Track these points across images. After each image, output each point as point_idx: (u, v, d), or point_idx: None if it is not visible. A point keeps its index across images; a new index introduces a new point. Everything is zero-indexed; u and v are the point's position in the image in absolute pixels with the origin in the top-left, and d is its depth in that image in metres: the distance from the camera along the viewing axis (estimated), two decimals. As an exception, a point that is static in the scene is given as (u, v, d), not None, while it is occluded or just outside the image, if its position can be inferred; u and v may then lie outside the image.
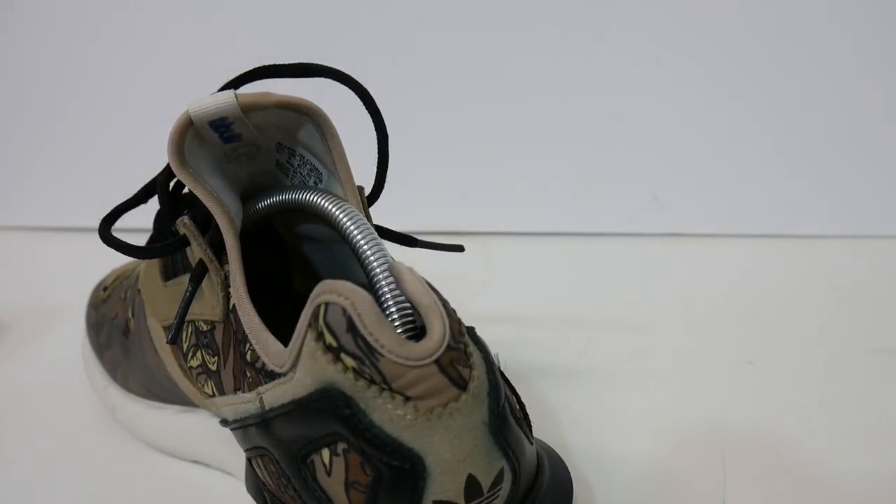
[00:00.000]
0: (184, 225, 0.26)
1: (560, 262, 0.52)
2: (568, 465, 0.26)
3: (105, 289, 0.38)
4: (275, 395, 0.22)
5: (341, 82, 0.26)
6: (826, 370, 0.38)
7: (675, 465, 0.31)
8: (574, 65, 0.54)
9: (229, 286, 0.25)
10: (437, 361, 0.20)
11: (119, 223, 0.28)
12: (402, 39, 0.55)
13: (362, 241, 0.23)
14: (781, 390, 0.36)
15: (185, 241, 0.26)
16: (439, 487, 0.21)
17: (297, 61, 0.26)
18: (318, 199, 0.25)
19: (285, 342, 0.22)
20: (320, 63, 0.26)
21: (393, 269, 0.22)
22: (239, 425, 0.25)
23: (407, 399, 0.20)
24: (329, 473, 0.22)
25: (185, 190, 0.29)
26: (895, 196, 0.53)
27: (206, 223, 0.26)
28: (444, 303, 0.21)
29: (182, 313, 0.26)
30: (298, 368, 0.21)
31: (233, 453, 0.30)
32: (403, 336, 0.20)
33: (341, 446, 0.21)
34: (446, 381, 0.20)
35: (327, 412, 0.21)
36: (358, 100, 0.26)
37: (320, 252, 0.30)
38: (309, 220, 0.28)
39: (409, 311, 0.21)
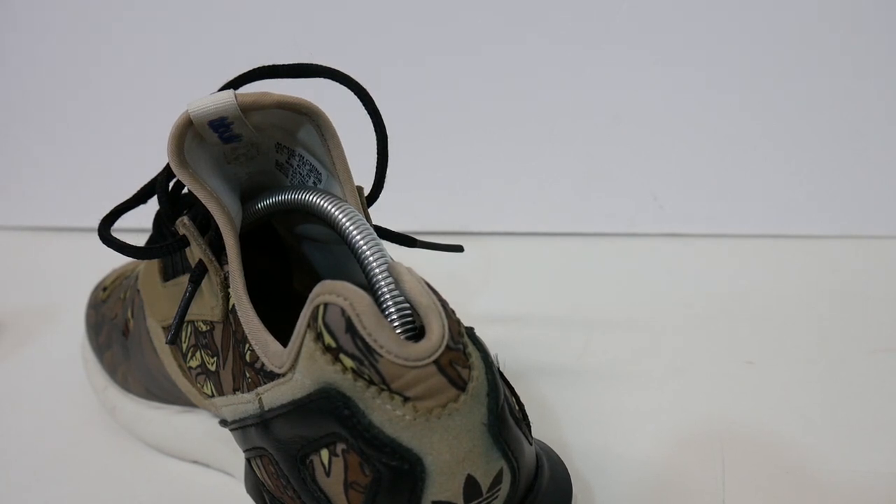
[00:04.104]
0: (183, 225, 0.26)
1: (560, 262, 0.52)
2: (567, 466, 0.26)
3: (105, 289, 0.38)
4: (274, 395, 0.22)
5: (340, 82, 0.26)
6: (826, 370, 0.38)
7: (674, 465, 0.31)
8: (574, 65, 0.54)
9: (229, 287, 0.25)
10: (436, 362, 0.20)
11: (119, 223, 0.28)
12: (401, 39, 0.55)
13: (361, 242, 0.23)
14: (781, 390, 0.36)
15: (184, 242, 0.26)
16: (438, 488, 0.21)
17: (296, 62, 0.26)
18: (318, 200, 0.25)
19: (284, 343, 0.22)
20: (320, 63, 0.26)
21: (392, 270, 0.22)
22: (238, 426, 0.25)
23: (406, 399, 0.20)
24: (328, 474, 0.22)
25: (185, 190, 0.29)
26: (895, 196, 0.53)
27: (205, 223, 0.26)
28: (444, 303, 0.21)
29: (181, 314, 0.26)
30: (297, 369, 0.21)
31: (232, 454, 0.30)
32: (402, 336, 0.20)
33: (340, 447, 0.21)
34: (445, 381, 0.20)
35: (326, 413, 0.21)
36: (357, 100, 0.26)
37: (320, 252, 0.30)
38: (308, 221, 0.28)
39: (408, 312, 0.21)
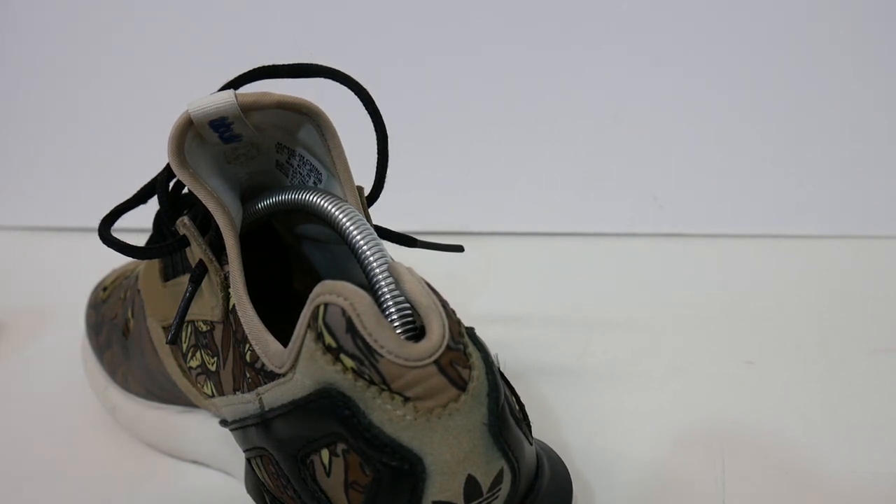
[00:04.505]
0: (183, 225, 0.26)
1: (560, 262, 0.52)
2: (567, 466, 0.26)
3: (105, 289, 0.38)
4: (274, 395, 0.22)
5: (341, 82, 0.26)
6: (826, 370, 0.38)
7: (674, 465, 0.31)
8: (574, 65, 0.54)
9: (229, 287, 0.25)
10: (436, 362, 0.20)
11: (119, 223, 0.28)
12: (401, 39, 0.55)
13: (362, 242, 0.23)
14: (781, 390, 0.36)
15: (184, 242, 0.26)
16: (439, 488, 0.21)
17: (296, 62, 0.26)
18: (318, 200, 0.25)
19: (285, 343, 0.22)
20: (320, 63, 0.26)
21: (392, 270, 0.22)
22: (238, 426, 0.25)
23: (406, 399, 0.20)
24: (328, 474, 0.22)
25: (185, 190, 0.29)
26: (895, 196, 0.53)
27: (205, 223, 0.26)
28: (444, 303, 0.21)
29: (182, 314, 0.26)
30: (298, 369, 0.21)
31: (232, 454, 0.30)
32: (403, 336, 0.20)
33: (341, 447, 0.21)
34: (446, 381, 0.20)
35: (327, 413, 0.21)
36: (357, 100, 0.26)
37: (320, 252, 0.30)
38: (308, 221, 0.28)
39: (409, 312, 0.21)
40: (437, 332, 0.20)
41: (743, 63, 0.52)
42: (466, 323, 0.22)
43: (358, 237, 0.23)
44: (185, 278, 0.28)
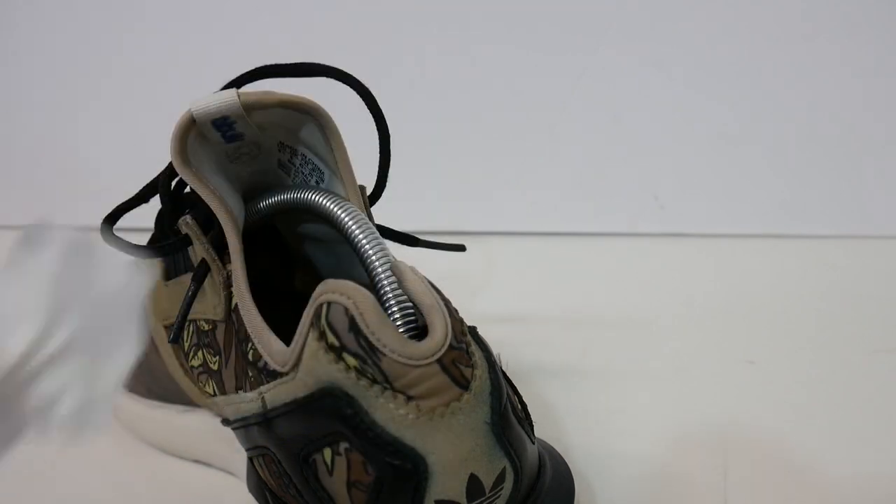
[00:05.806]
0: (186, 224, 0.26)
1: (560, 262, 0.52)
2: (570, 465, 0.26)
3: (106, 288, 0.38)
4: (276, 394, 0.22)
5: (343, 82, 0.26)
6: (826, 370, 0.38)
7: (676, 464, 0.31)
8: (574, 65, 0.54)
9: (231, 286, 0.25)
10: (439, 361, 0.20)
11: (120, 223, 0.28)
12: (403, 39, 0.55)
13: (364, 241, 0.23)
14: (782, 390, 0.36)
15: (187, 241, 0.26)
16: (441, 487, 0.21)
17: (299, 61, 0.26)
18: (320, 199, 0.25)
19: (287, 341, 0.22)
20: (323, 63, 0.26)
21: (395, 269, 0.22)
22: (240, 425, 0.25)
23: (409, 399, 0.20)
24: (331, 473, 0.22)
25: (187, 189, 0.29)
26: (895, 196, 0.53)
27: (208, 223, 0.26)
28: (446, 302, 0.21)
29: (184, 313, 0.26)
30: (300, 368, 0.21)
31: (234, 453, 0.30)
32: (405, 336, 0.20)
33: (343, 446, 0.21)
34: (448, 380, 0.20)
35: (329, 412, 0.21)
36: (360, 99, 0.26)
37: (322, 252, 0.30)
38: (311, 220, 0.28)
39: (411, 311, 0.21)
40: (439, 331, 0.20)
41: (743, 64, 0.53)
42: (469, 322, 0.22)
43: (360, 236, 0.23)
44: (188, 277, 0.28)
